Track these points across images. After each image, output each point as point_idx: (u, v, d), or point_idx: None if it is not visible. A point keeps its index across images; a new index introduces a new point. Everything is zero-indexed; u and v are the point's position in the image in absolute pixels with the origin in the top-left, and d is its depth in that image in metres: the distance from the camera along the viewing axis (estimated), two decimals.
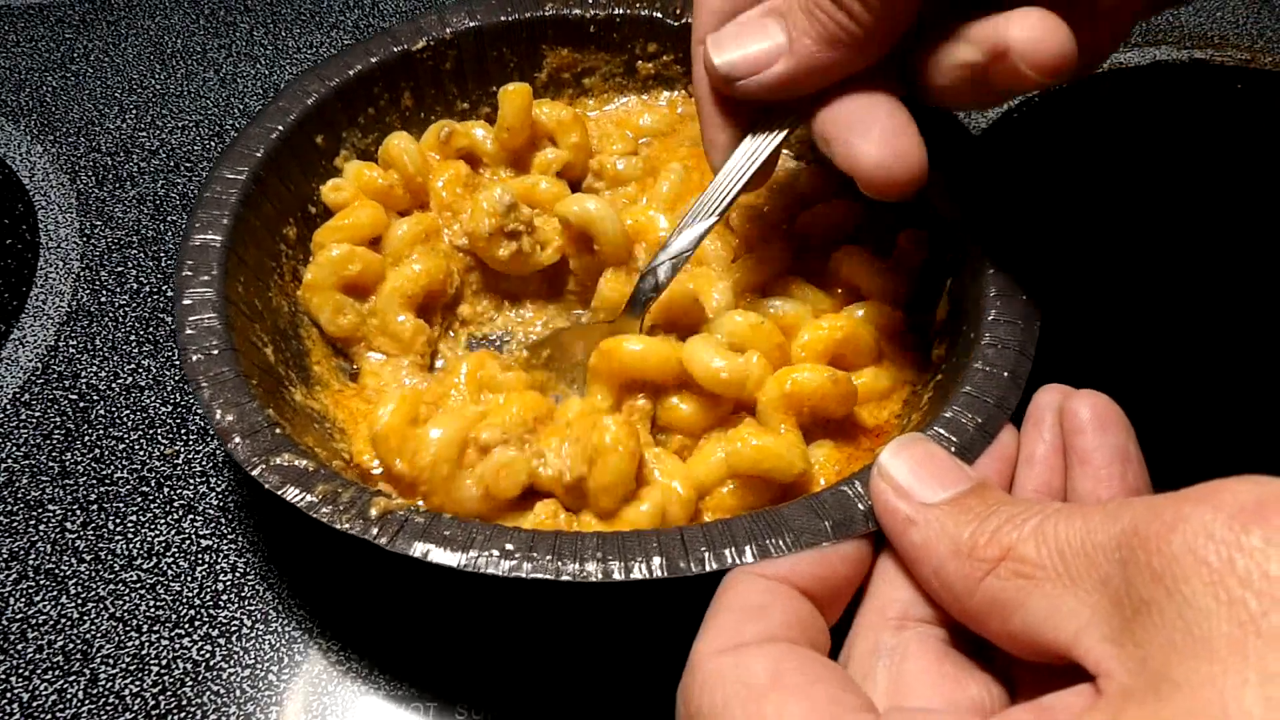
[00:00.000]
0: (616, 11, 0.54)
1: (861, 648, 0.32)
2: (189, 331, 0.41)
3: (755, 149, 0.41)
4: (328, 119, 0.51)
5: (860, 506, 0.35)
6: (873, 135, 0.36)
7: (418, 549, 0.35)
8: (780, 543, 0.34)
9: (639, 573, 0.34)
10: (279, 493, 0.36)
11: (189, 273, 0.43)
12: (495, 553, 0.34)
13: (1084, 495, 0.33)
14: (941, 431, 0.37)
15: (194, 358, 0.40)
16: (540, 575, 0.34)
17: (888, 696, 0.30)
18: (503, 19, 0.54)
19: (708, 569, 0.34)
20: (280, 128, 0.48)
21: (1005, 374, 0.39)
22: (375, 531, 0.35)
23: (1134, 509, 0.25)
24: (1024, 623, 0.27)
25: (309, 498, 0.36)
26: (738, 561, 0.34)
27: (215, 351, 0.41)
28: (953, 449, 0.36)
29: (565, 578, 0.34)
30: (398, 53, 0.52)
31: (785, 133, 0.41)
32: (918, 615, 0.32)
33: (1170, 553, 0.23)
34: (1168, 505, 0.24)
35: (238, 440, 0.38)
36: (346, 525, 0.35)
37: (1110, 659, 0.25)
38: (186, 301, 0.42)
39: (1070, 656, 0.26)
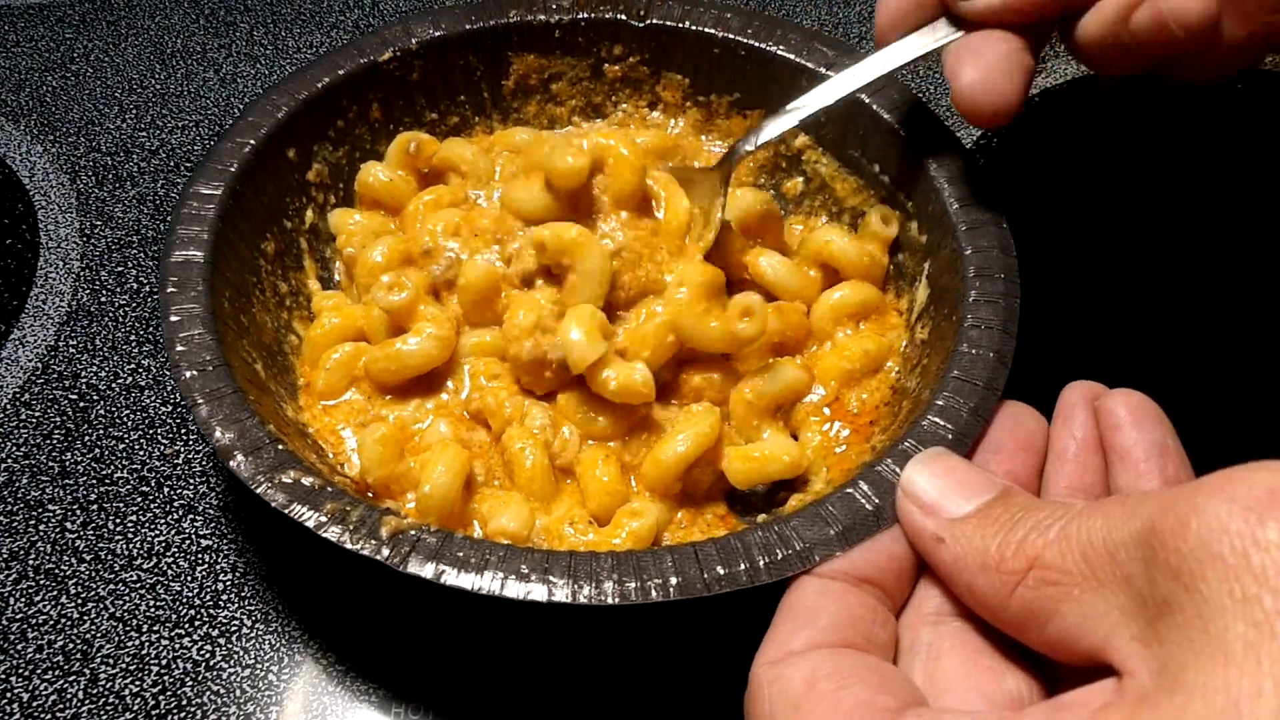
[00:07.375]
0: (581, 16, 0.53)
1: (902, 645, 0.32)
2: (180, 348, 0.40)
3: (919, 45, 0.43)
4: (298, 133, 0.50)
5: (868, 507, 0.35)
6: (978, 65, 0.39)
7: (430, 570, 0.34)
8: (790, 553, 0.34)
9: (656, 594, 0.34)
10: (286, 511, 0.36)
11: (173, 289, 0.42)
12: (511, 575, 0.34)
13: (1125, 489, 0.33)
14: (936, 420, 0.38)
15: (187, 374, 0.39)
16: (557, 599, 0.33)
17: (924, 693, 0.30)
18: (467, 27, 0.53)
19: (723, 589, 0.34)
20: (252, 142, 0.47)
21: (991, 354, 0.40)
22: (387, 552, 0.35)
23: (1150, 504, 0.25)
24: (1059, 630, 0.27)
25: (318, 517, 0.36)
26: (754, 580, 0.34)
27: (210, 368, 0.40)
28: (949, 435, 0.37)
29: (582, 600, 0.33)
30: (364, 65, 0.51)
31: (942, 43, 0.42)
32: (954, 610, 0.32)
33: (1187, 548, 0.23)
34: (1182, 498, 0.24)
35: (240, 458, 0.37)
36: (357, 546, 0.35)
37: (1135, 658, 0.24)
38: (174, 318, 0.41)
39: (1104, 659, 0.26)
